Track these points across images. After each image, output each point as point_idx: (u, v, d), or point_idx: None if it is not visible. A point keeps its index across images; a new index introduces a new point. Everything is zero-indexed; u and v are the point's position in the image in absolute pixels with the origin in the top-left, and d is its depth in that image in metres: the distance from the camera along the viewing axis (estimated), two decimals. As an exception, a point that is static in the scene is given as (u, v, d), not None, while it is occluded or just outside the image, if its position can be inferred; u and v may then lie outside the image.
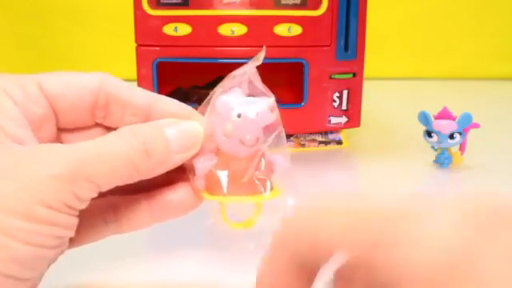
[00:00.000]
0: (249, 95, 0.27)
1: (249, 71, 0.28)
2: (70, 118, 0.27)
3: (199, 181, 0.27)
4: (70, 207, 0.23)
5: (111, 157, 0.24)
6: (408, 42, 0.88)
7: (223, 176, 0.26)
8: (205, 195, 0.27)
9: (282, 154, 0.28)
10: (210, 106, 0.27)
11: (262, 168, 0.27)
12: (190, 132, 0.26)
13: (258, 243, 0.29)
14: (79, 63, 0.85)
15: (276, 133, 0.27)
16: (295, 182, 0.28)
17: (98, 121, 0.28)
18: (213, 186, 0.27)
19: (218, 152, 0.27)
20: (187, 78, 0.54)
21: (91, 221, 0.26)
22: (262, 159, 0.27)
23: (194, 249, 0.35)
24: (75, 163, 0.23)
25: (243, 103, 0.27)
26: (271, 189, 0.27)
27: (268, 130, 0.27)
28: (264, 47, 0.28)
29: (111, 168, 0.24)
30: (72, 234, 0.24)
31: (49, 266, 0.24)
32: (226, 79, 0.28)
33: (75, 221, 0.24)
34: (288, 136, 0.55)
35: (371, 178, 0.49)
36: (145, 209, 0.27)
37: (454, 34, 0.88)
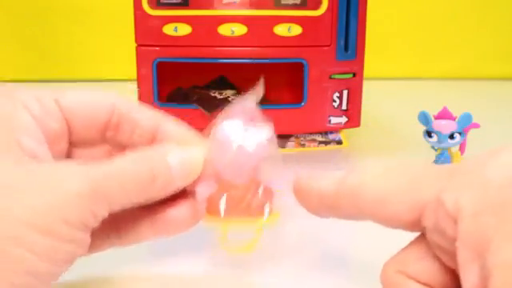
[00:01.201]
0: (250, 125, 0.28)
1: (250, 103, 0.29)
2: (83, 134, 0.29)
3: (200, 205, 0.28)
4: (86, 225, 0.24)
5: (124, 178, 0.25)
6: (408, 42, 0.88)
7: (223, 202, 0.28)
8: (205, 219, 0.28)
9: (277, 176, 0.29)
10: (211, 134, 0.28)
11: (260, 195, 0.29)
12: (191, 160, 0.27)
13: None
14: (79, 63, 0.85)
15: (274, 162, 0.29)
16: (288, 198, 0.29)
17: (108, 138, 0.29)
18: (213, 211, 0.28)
19: (218, 177, 0.28)
20: (187, 77, 0.54)
21: (95, 235, 0.26)
22: (261, 185, 0.28)
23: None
24: (97, 183, 0.24)
25: (243, 135, 0.28)
26: (270, 213, 0.29)
27: (266, 158, 0.28)
28: (262, 79, 0.29)
29: (124, 188, 0.25)
30: (85, 251, 0.25)
31: (57, 280, 0.25)
32: (228, 109, 0.29)
33: (89, 239, 0.25)
34: (288, 136, 0.55)
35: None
36: (147, 224, 0.28)
37: (454, 34, 0.88)
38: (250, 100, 0.29)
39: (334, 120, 0.51)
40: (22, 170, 0.24)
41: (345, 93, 0.51)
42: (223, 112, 0.29)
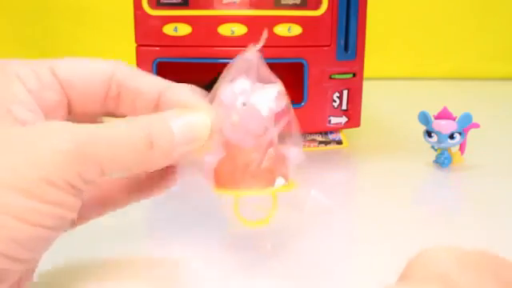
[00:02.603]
0: (254, 83, 0.26)
1: (253, 57, 0.27)
2: (82, 105, 0.27)
3: (209, 175, 0.26)
4: (73, 187, 0.23)
5: (118, 142, 0.24)
6: (408, 42, 0.88)
7: (232, 169, 0.26)
8: (215, 190, 0.26)
9: (296, 146, 0.27)
10: (216, 98, 0.26)
11: (271, 157, 0.26)
12: (197, 124, 0.26)
13: (274, 243, 0.28)
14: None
15: (285, 120, 0.26)
16: (309, 175, 0.27)
17: (110, 110, 0.28)
18: (222, 180, 0.26)
19: (226, 145, 0.26)
20: (187, 78, 0.54)
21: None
22: (272, 150, 0.26)
23: (206, 250, 0.35)
24: (83, 142, 0.23)
25: (249, 92, 0.26)
26: (285, 182, 0.26)
27: (277, 118, 0.26)
28: (266, 30, 0.27)
29: (117, 153, 0.24)
30: (74, 215, 0.23)
31: (48, 247, 0.24)
32: (230, 67, 0.27)
33: (78, 202, 0.23)
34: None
35: (371, 178, 0.49)
36: (124, 191, 0.27)
37: (454, 33, 0.88)
38: (252, 54, 0.27)
39: (334, 120, 0.51)
40: (5, 132, 0.23)
41: (345, 93, 0.51)
42: (226, 71, 0.27)
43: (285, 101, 0.26)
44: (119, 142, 0.24)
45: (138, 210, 0.34)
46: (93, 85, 0.27)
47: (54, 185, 0.22)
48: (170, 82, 0.28)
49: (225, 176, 0.26)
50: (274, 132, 0.26)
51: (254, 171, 0.25)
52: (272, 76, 0.26)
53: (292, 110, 0.26)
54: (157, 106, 0.27)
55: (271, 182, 0.26)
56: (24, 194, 0.21)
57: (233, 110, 0.25)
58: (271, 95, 0.26)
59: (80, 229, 0.27)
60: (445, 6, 0.87)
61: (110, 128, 0.24)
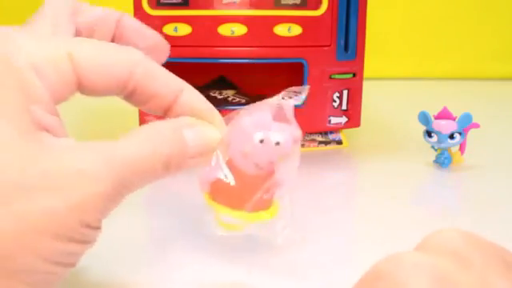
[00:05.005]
0: (275, 121, 0.27)
1: (285, 103, 0.27)
2: (95, 94, 0.26)
3: (205, 184, 0.26)
4: (101, 221, 0.22)
5: (141, 169, 0.23)
6: (408, 42, 0.88)
7: (230, 189, 0.26)
8: (206, 198, 0.27)
9: (291, 172, 0.27)
10: (234, 120, 0.27)
11: (269, 190, 0.27)
12: (208, 138, 0.26)
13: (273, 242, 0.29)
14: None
15: (292, 163, 0.27)
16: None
17: (121, 98, 0.27)
18: (216, 193, 0.27)
19: (228, 163, 0.26)
20: (187, 78, 0.54)
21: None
22: (272, 181, 0.27)
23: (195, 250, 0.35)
24: (119, 182, 0.22)
25: (269, 128, 0.26)
26: (271, 205, 0.27)
27: (284, 156, 0.27)
28: (308, 86, 0.28)
29: (139, 179, 0.23)
30: (91, 247, 0.23)
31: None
32: (260, 103, 0.27)
33: (99, 233, 0.23)
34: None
35: (371, 178, 0.49)
36: None
37: (454, 34, 0.88)
38: (289, 100, 0.27)
39: (334, 120, 0.51)
40: (32, 146, 0.20)
41: (345, 93, 0.51)
42: (257, 104, 0.27)
43: (298, 147, 0.27)
44: (142, 168, 0.23)
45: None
46: (110, 79, 0.25)
47: (90, 227, 0.21)
48: (186, 82, 0.28)
49: (218, 191, 0.26)
50: (279, 171, 0.27)
51: (250, 199, 0.26)
52: (295, 123, 0.27)
53: (299, 156, 0.27)
54: (170, 108, 0.26)
55: (259, 209, 0.27)
56: (58, 239, 0.20)
57: (248, 141, 0.25)
58: (287, 138, 0.26)
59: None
60: (444, 6, 0.87)
61: (136, 154, 0.23)
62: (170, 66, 0.50)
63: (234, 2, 0.48)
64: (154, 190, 0.42)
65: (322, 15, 0.48)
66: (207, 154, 0.26)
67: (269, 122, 0.26)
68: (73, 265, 0.22)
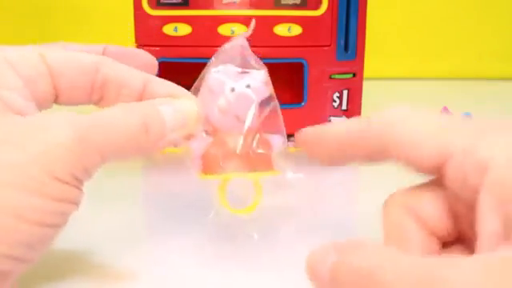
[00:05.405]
0: (242, 69, 0.27)
1: (238, 44, 0.27)
2: (69, 95, 0.27)
3: (196, 161, 0.26)
4: (77, 179, 0.22)
5: (117, 129, 0.24)
6: (408, 42, 0.88)
7: (219, 154, 0.26)
8: (203, 176, 0.27)
9: (279, 133, 0.28)
10: (203, 85, 0.27)
11: (259, 145, 0.27)
12: (185, 110, 0.26)
13: (261, 232, 0.29)
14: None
15: (271, 106, 0.27)
16: (292, 161, 0.28)
17: (94, 101, 0.28)
18: (210, 166, 0.26)
19: (213, 132, 0.26)
20: (187, 77, 0.54)
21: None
22: (258, 137, 0.27)
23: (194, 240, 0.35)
24: (85, 133, 0.22)
25: (236, 78, 0.26)
26: (268, 169, 0.27)
27: (262, 104, 0.27)
28: (253, 20, 0.28)
29: (116, 140, 0.24)
30: (77, 209, 0.23)
31: (51, 245, 0.23)
32: (217, 54, 0.27)
33: (81, 195, 0.23)
34: (288, 136, 0.54)
35: (371, 178, 0.49)
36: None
37: (454, 34, 0.88)
38: (239, 41, 0.27)
39: (334, 120, 0.51)
40: (1, 122, 0.22)
41: (345, 93, 0.51)
42: (212, 58, 0.27)
43: (271, 87, 0.27)
44: (118, 128, 0.24)
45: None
46: (80, 75, 0.27)
47: (59, 179, 0.21)
48: (151, 75, 0.29)
49: (211, 161, 0.26)
50: (261, 118, 0.27)
51: (241, 155, 0.26)
52: (258, 62, 0.27)
53: (275, 96, 0.27)
54: (141, 98, 0.27)
55: (257, 167, 0.27)
56: (27, 192, 0.21)
57: (220, 95, 0.26)
58: (258, 81, 0.26)
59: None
60: (444, 6, 0.87)
61: (107, 116, 0.24)
62: (170, 65, 0.50)
63: (234, 2, 0.48)
64: (154, 190, 0.42)
65: (322, 15, 0.48)
66: (187, 126, 0.26)
67: (234, 72, 0.26)
68: (58, 225, 0.22)
